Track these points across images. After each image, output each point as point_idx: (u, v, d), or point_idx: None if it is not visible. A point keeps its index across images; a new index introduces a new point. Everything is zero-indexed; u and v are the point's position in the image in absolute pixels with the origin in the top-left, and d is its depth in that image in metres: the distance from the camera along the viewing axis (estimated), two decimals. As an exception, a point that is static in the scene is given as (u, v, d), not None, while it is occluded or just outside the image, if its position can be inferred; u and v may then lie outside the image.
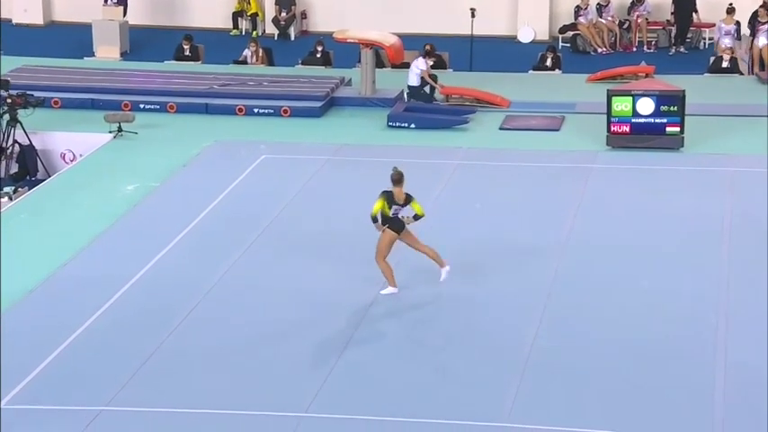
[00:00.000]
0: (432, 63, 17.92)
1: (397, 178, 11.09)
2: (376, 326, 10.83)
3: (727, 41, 19.61)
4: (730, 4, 20.32)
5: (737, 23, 19.94)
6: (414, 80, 17.56)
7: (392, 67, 19.13)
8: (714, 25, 21.29)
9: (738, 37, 19.69)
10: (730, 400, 9.32)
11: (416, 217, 11.16)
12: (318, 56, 20.33)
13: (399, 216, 11.10)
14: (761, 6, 19.49)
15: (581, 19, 21.98)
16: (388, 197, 11.07)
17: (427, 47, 18.81)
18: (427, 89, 17.57)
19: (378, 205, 11.05)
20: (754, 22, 19.64)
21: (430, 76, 17.63)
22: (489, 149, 15.73)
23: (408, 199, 11.13)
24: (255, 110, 17.41)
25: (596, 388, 9.61)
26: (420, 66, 17.54)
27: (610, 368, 9.93)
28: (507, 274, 11.82)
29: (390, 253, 11.18)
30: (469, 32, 20.55)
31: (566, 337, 10.52)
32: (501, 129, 16.63)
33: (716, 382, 9.59)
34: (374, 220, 11.14)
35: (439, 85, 17.59)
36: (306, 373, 9.92)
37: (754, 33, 19.30)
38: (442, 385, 9.76)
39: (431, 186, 14.35)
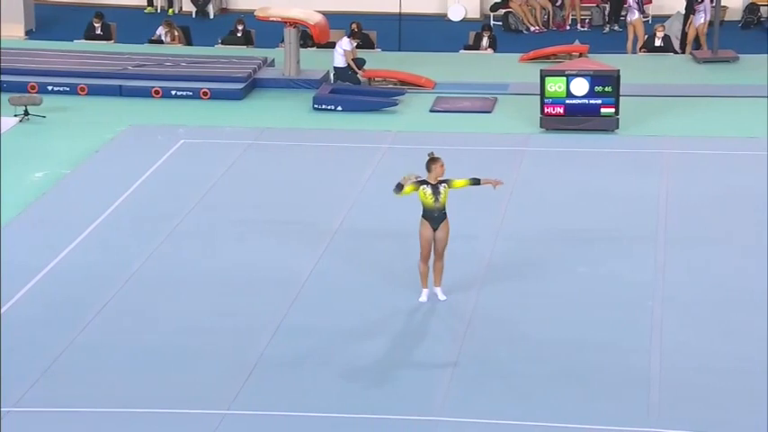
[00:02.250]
0: (357, 43, 17.89)
1: (431, 164, 10.60)
2: (303, 316, 10.81)
3: (635, 16, 19.92)
4: None
5: None
6: (339, 61, 17.53)
7: (317, 47, 19.08)
8: (650, 2, 21.66)
9: (641, 10, 19.96)
10: (666, 383, 9.51)
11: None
12: (239, 35, 20.17)
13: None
14: None
15: (513, -4, 22.14)
16: (423, 182, 10.59)
17: (353, 26, 18.80)
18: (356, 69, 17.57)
19: (408, 188, 10.58)
20: (691, 0, 19.99)
21: (355, 60, 17.62)
22: (419, 133, 15.79)
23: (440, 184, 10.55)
24: (173, 92, 17.21)
25: (532, 375, 9.72)
26: (344, 46, 17.52)
27: (546, 355, 10.05)
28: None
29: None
30: (398, 10, 20.57)
31: (500, 324, 10.62)
32: (431, 111, 16.70)
33: (651, 366, 9.77)
34: (398, 187, 10.58)
35: (362, 71, 17.58)
36: (229, 368, 9.86)
37: (691, 12, 19.65)
38: (371, 379, 9.77)
39: (359, 172, 14.36)
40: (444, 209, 10.74)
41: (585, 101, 15.44)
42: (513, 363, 9.95)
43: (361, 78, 17.65)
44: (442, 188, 10.70)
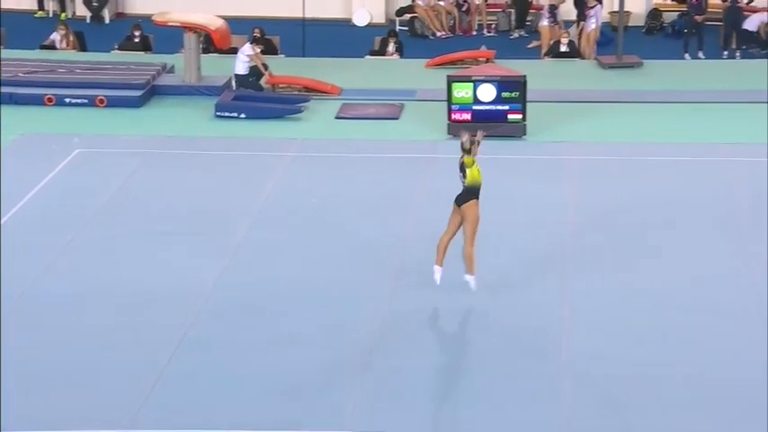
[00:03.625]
0: (260, 50, 17.88)
1: (467, 147, 10.82)
2: (207, 329, 10.74)
3: (544, 23, 20.38)
4: None
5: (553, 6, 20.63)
6: (241, 68, 17.46)
7: (219, 53, 18.97)
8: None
9: (554, 19, 20.42)
10: (577, 391, 9.70)
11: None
12: (137, 40, 19.96)
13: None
14: None
15: (419, 1, 22.35)
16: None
17: (255, 31, 18.75)
18: (260, 76, 17.51)
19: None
20: (581, 5, 20.43)
21: (263, 63, 17.57)
22: (325, 140, 15.83)
23: (462, 166, 10.83)
24: (67, 100, 16.95)
25: (442, 387, 9.81)
26: (246, 52, 17.46)
27: (453, 364, 10.17)
28: (348, 268, 11.92)
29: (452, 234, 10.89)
30: (301, 15, 20.59)
31: (407, 335, 10.70)
32: (337, 118, 16.75)
33: (562, 373, 9.96)
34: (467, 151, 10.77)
35: (268, 74, 17.56)
36: (131, 383, 9.75)
37: (582, 17, 20.09)
38: (277, 392, 9.76)
39: (263, 181, 14.33)
40: (468, 187, 10.79)
41: (492, 107, 15.67)
42: (418, 374, 10.02)
43: (264, 85, 17.61)
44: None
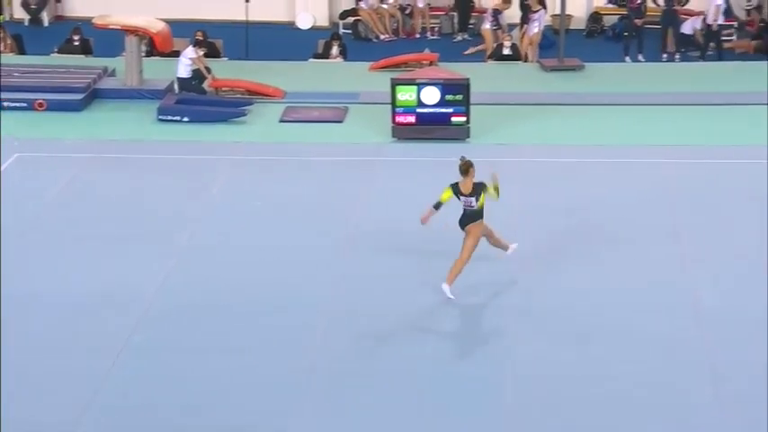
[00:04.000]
0: (203, 53, 17.79)
1: (464, 168, 10.96)
2: (150, 334, 10.67)
3: (486, 26, 20.55)
4: None
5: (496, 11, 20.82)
6: (183, 72, 17.36)
7: (161, 56, 18.84)
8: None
9: (497, 23, 20.60)
10: (519, 392, 9.78)
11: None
12: (76, 44, 19.76)
13: (471, 205, 10.93)
14: None
15: (362, 4, 22.39)
16: (455, 188, 10.98)
17: (198, 35, 18.65)
18: (203, 79, 17.42)
19: (444, 194, 10.98)
20: (525, 9, 20.60)
21: (206, 67, 17.48)
22: (269, 144, 15.79)
23: (477, 189, 10.93)
24: (5, 103, 16.74)
25: (388, 391, 9.85)
26: (189, 55, 17.37)
27: (399, 368, 10.20)
28: (293, 271, 11.91)
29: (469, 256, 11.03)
30: (244, 18, 20.52)
31: (352, 339, 10.72)
32: (281, 121, 16.72)
33: (505, 375, 10.04)
34: (436, 206, 11.04)
35: (211, 77, 17.48)
36: (73, 390, 9.65)
37: (525, 21, 20.27)
38: (221, 397, 9.72)
39: (207, 185, 14.27)
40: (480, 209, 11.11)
41: (436, 110, 15.74)
42: (370, 378, 10.05)
43: (207, 89, 17.52)
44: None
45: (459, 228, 11.26)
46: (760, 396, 9.65)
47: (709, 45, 20.01)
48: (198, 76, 17.44)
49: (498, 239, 11.61)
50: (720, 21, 19.90)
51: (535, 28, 19.90)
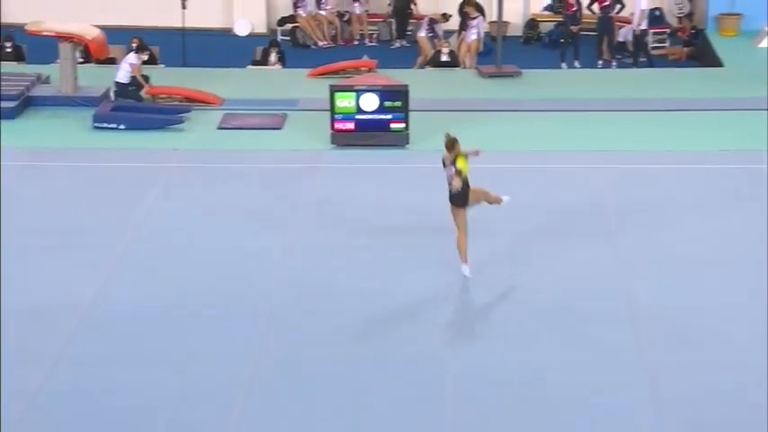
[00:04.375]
0: (146, 58, 17.62)
1: (449, 145, 11.55)
2: (87, 345, 10.52)
3: (422, 34, 20.64)
4: (448, 14, 21.39)
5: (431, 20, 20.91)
6: (122, 77, 17.19)
7: (96, 63, 18.63)
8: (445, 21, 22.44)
9: (433, 31, 20.71)
10: (461, 398, 9.81)
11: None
12: (8, 50, 19.45)
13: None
14: (468, 2, 20.60)
15: (300, 11, 22.35)
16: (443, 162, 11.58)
17: (134, 41, 18.46)
18: (140, 87, 17.26)
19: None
20: (463, 16, 20.72)
21: (142, 75, 17.33)
22: (207, 151, 15.68)
23: (455, 157, 11.50)
24: (-64, 112, 16.42)
25: (326, 402, 9.82)
26: (130, 61, 17.21)
27: (342, 376, 10.18)
28: (232, 280, 11.83)
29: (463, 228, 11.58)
30: (181, 25, 20.36)
31: (289, 348, 10.67)
32: (219, 128, 16.61)
33: (445, 380, 10.06)
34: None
35: (148, 85, 17.32)
36: (6, 402, 9.47)
37: (463, 28, 20.37)
38: (157, 408, 9.62)
39: (144, 192, 14.12)
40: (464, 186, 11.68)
41: (375, 116, 15.75)
42: (305, 387, 10.01)
43: (144, 96, 17.36)
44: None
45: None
46: (697, 398, 9.78)
47: (639, 52, 20.28)
48: (136, 82, 17.27)
49: (493, 197, 12.06)
50: (644, 26, 20.17)
51: (473, 35, 20.01)
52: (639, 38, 20.21)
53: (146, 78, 17.42)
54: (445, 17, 21.16)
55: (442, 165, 11.68)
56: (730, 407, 9.71)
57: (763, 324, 10.95)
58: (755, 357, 10.42)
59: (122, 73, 17.17)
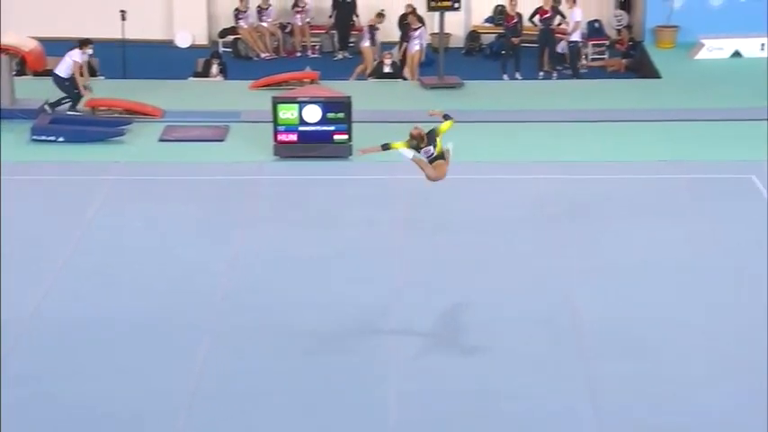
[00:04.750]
0: (90, 52, 17.37)
1: (419, 137, 11.72)
2: (24, 361, 10.34)
3: (366, 44, 20.71)
4: (382, 10, 21.48)
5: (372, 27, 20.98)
6: (62, 70, 16.94)
7: (34, 75, 18.39)
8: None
9: (373, 39, 20.80)
10: (404, 407, 9.81)
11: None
12: (-55, 63, 19.10)
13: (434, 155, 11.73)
14: (410, 12, 20.69)
15: (241, 23, 22.27)
16: (412, 144, 11.74)
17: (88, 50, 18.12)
18: (76, 86, 17.00)
19: (398, 143, 11.76)
20: (404, 27, 20.80)
21: (84, 86, 17.12)
22: (149, 163, 15.55)
23: (431, 136, 11.70)
24: None
25: (273, 409, 9.76)
26: (74, 57, 16.99)
27: (284, 385, 10.13)
28: (173, 294, 11.73)
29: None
30: (121, 36, 20.18)
31: (233, 358, 10.60)
32: (161, 140, 16.48)
33: (389, 392, 10.06)
34: (383, 147, 11.88)
35: (88, 90, 17.11)
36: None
37: (405, 39, 20.46)
38: (104, 420, 9.50)
39: (84, 206, 13.95)
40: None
41: (318, 128, 15.74)
42: (254, 398, 9.94)
43: (84, 106, 17.15)
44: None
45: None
46: (639, 409, 9.87)
47: (577, 63, 20.50)
48: (74, 82, 17.00)
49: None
50: (577, 37, 20.39)
51: (416, 46, 20.08)
52: (572, 49, 20.44)
53: (87, 88, 17.20)
54: (380, 16, 21.18)
55: (415, 150, 11.77)
56: (673, 415, 9.81)
57: (703, 331, 11.10)
58: (697, 366, 10.55)
59: (63, 66, 16.91)
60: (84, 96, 17.11)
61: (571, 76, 20.52)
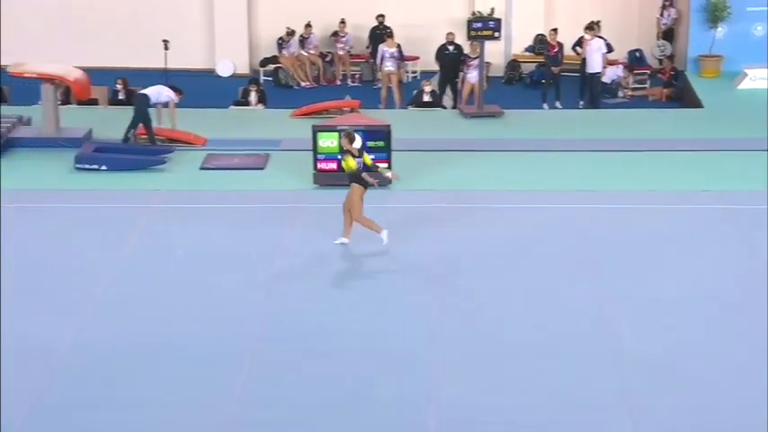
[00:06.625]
0: (177, 101, 17.46)
1: (352, 137, 13.22)
2: (65, 391, 10.32)
3: (389, 65, 20.60)
4: (389, 30, 21.45)
5: (398, 46, 20.92)
6: (154, 96, 16.97)
7: (78, 104, 18.56)
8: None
9: (401, 59, 20.74)
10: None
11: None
12: (-7, 93, 19.39)
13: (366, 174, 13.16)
14: (470, 42, 20.50)
15: (283, 51, 22.36)
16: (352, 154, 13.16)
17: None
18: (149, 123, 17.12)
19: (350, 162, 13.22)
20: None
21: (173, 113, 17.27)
22: (190, 191, 15.57)
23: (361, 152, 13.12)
24: None
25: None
26: (171, 95, 17.12)
27: (311, 417, 10.03)
28: (213, 322, 11.68)
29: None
30: (164, 65, 20.33)
31: (272, 388, 10.53)
32: (202, 168, 16.52)
33: (428, 423, 9.92)
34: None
35: (171, 126, 17.07)
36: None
37: (462, 69, 20.27)
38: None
39: (127, 234, 13.98)
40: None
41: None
42: (292, 427, 9.86)
43: (129, 137, 17.26)
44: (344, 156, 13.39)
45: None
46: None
47: (599, 94, 20.16)
48: (147, 112, 16.92)
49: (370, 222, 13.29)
50: (599, 69, 19.91)
51: (476, 75, 19.15)
52: (591, 80, 20.00)
53: (172, 124, 17.17)
54: (390, 37, 20.94)
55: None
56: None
57: (747, 367, 10.87)
58: (739, 400, 10.33)
59: (154, 92, 16.97)
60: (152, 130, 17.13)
61: (614, 106, 20.33)
